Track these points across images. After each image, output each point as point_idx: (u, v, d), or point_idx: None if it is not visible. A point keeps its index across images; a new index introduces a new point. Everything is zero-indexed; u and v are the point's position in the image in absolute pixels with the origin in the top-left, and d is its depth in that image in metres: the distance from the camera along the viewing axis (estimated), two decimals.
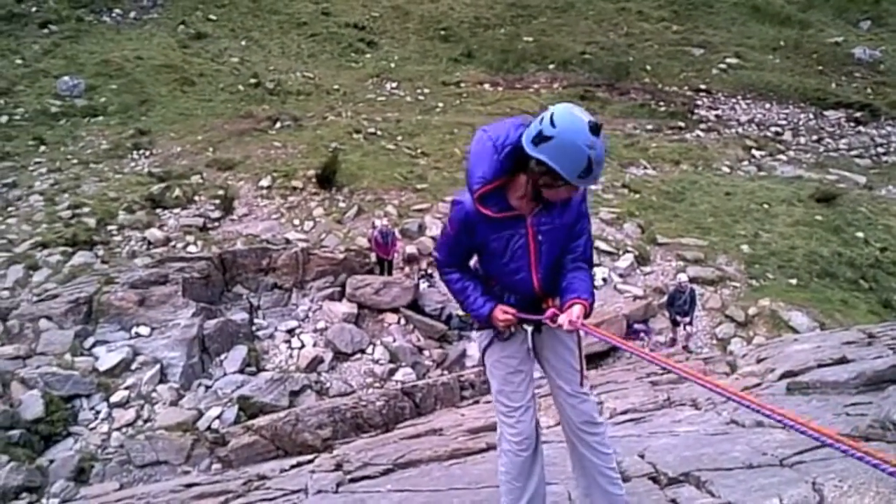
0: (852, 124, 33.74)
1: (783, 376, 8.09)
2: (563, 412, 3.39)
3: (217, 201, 21.98)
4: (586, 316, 3.07)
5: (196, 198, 22.25)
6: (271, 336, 16.69)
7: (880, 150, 31.89)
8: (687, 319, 16.66)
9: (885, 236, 22.39)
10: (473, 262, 3.43)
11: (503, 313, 3.22)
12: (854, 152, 31.44)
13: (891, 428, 4.57)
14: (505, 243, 3.19)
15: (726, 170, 28.08)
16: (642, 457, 5.11)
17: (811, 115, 34.43)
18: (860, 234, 22.27)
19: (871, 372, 6.50)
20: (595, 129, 2.86)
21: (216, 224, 21.27)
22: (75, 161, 24.69)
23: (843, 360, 7.95)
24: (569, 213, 3.19)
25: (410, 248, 20.21)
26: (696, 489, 4.20)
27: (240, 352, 15.56)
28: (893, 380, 5.93)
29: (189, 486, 9.34)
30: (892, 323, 12.07)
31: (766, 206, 23.75)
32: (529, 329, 3.34)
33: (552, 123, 2.88)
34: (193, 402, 14.11)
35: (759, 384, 8.35)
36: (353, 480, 6.97)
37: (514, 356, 3.35)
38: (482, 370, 14.83)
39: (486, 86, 35.25)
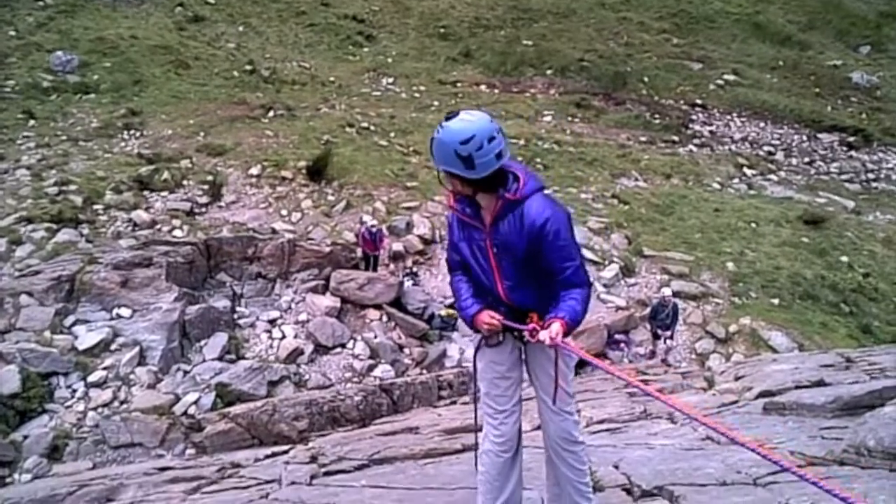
0: (845, 148, 34.03)
1: (760, 395, 8.37)
2: (545, 425, 3.54)
3: (205, 187, 22.02)
4: (567, 334, 3.21)
5: (184, 182, 22.27)
6: (252, 325, 16.81)
7: (871, 175, 32.25)
8: (668, 333, 16.88)
9: (869, 262, 22.71)
10: None
11: (489, 318, 3.37)
12: (845, 176, 31.77)
13: (865, 454, 4.65)
14: (471, 248, 3.45)
15: (717, 186, 28.36)
16: (617, 467, 5.25)
17: (805, 137, 34.69)
18: (845, 259, 22.54)
19: (848, 396, 6.70)
20: (448, 115, 3.23)
21: (203, 210, 21.32)
22: (64, 137, 24.66)
23: (820, 383, 8.22)
24: (521, 237, 3.28)
25: (397, 246, 20.39)
26: (670, 503, 4.28)
27: (220, 339, 15.66)
28: (870, 406, 6.06)
29: (163, 469, 9.56)
30: (870, 349, 12.44)
31: (753, 224, 24.03)
32: (517, 338, 3.47)
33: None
34: (171, 387, 14.21)
35: (735, 402, 8.63)
36: (327, 474, 7.14)
37: (503, 362, 3.50)
38: (461, 372, 15.17)
39: (483, 87, 35.37)
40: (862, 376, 8.40)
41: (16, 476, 11.84)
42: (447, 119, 3.19)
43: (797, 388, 8.20)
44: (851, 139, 34.44)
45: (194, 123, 26.51)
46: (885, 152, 34.10)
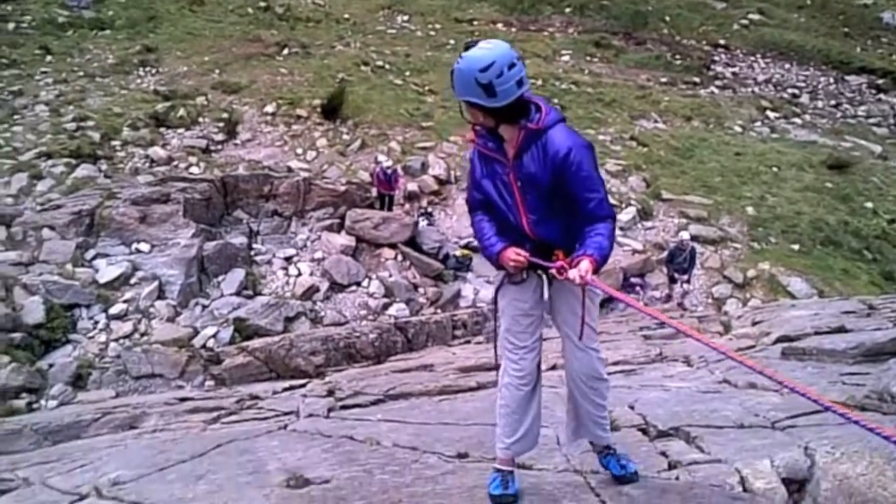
0: (873, 91, 33.42)
1: (778, 340, 8.40)
2: (568, 362, 3.54)
3: (221, 124, 22.14)
4: (596, 271, 3.15)
5: (200, 119, 22.38)
6: (269, 262, 17.07)
7: None
8: (685, 277, 16.80)
9: (894, 208, 22.49)
10: None
11: (514, 254, 3.33)
12: (872, 120, 31.21)
13: (888, 400, 4.62)
14: (495, 184, 3.41)
15: (738, 129, 27.99)
16: (632, 408, 5.28)
17: (832, 79, 34.07)
18: (869, 205, 22.33)
19: (870, 343, 6.66)
20: (467, 45, 3.18)
21: (219, 147, 21.48)
22: (81, 74, 24.75)
23: (841, 329, 8.22)
24: (545, 168, 3.26)
25: (412, 186, 20.49)
26: (686, 444, 4.28)
27: (238, 275, 15.95)
28: (893, 352, 6.07)
29: (183, 399, 9.94)
30: (893, 295, 12.43)
31: (775, 169, 23.74)
32: (542, 276, 3.44)
33: None
34: (190, 320, 14.59)
35: (752, 346, 8.64)
36: (344, 407, 7.28)
37: (526, 300, 3.47)
38: (475, 312, 15.39)
39: (500, 25, 34.85)
40: (884, 323, 8.37)
41: (43, 402, 12.29)
42: (466, 48, 3.16)
43: (817, 333, 8.15)
44: (880, 82, 33.78)
45: (209, 60, 26.50)
46: None
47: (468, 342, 13.89)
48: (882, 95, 33.26)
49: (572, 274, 3.11)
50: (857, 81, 34.01)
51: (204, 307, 15.04)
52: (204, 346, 13.98)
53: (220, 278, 15.89)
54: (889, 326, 7.96)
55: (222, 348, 13.75)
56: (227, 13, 31.17)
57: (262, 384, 11.49)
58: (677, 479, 3.70)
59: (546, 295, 3.47)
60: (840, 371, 6.10)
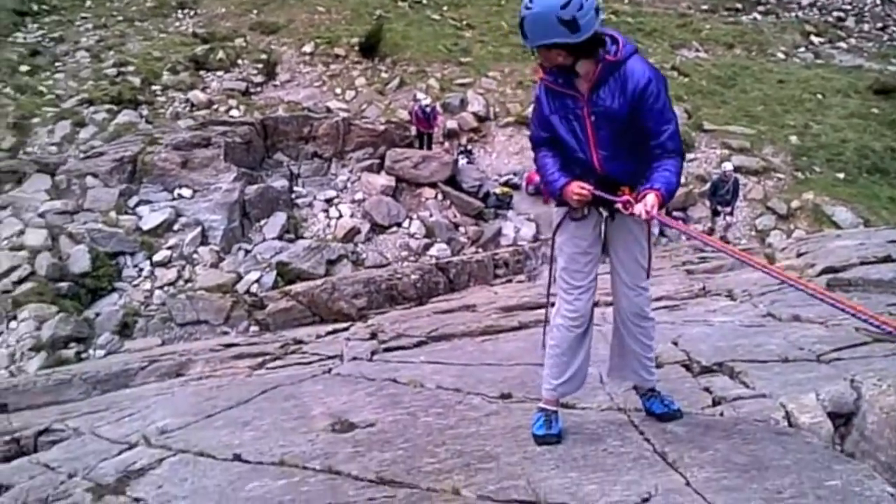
0: None
1: (824, 272, 7.97)
2: (617, 300, 3.45)
3: (260, 66, 21.63)
4: (662, 206, 3.05)
5: (239, 61, 21.86)
6: (310, 205, 16.66)
7: None
8: (728, 209, 16.11)
9: None
10: None
11: (578, 188, 3.19)
12: None
13: None
14: (565, 119, 3.24)
15: (781, 56, 26.70)
16: (676, 344, 5.07)
17: (878, 1, 32.21)
18: None
19: None
20: None
21: (258, 89, 21.00)
22: (120, 18, 24.28)
23: (888, 259, 7.82)
24: (623, 100, 3.09)
25: (451, 123, 19.78)
26: (730, 379, 4.11)
27: (279, 218, 15.58)
28: None
29: (228, 346, 9.67)
30: None
31: (819, 96, 22.67)
32: (604, 214, 3.30)
33: None
34: (233, 266, 14.27)
35: (798, 278, 8.03)
36: (387, 350, 7.11)
37: (585, 238, 3.35)
38: (517, 250, 14.89)
39: None
40: None
41: (91, 352, 12.13)
42: None
43: (862, 263, 7.83)
44: None
45: (247, 1, 25.79)
46: None
47: (509, 281, 13.46)
48: None
49: (638, 209, 2.99)
50: None
51: (247, 252, 14.70)
52: (247, 292, 13.67)
53: (262, 222, 15.53)
54: None
55: (266, 293, 13.45)
56: None
57: (305, 328, 11.24)
58: (721, 415, 3.59)
59: (603, 233, 3.37)
60: (887, 301, 5.80)
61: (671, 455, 3.06)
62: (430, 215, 16.81)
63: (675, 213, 17.17)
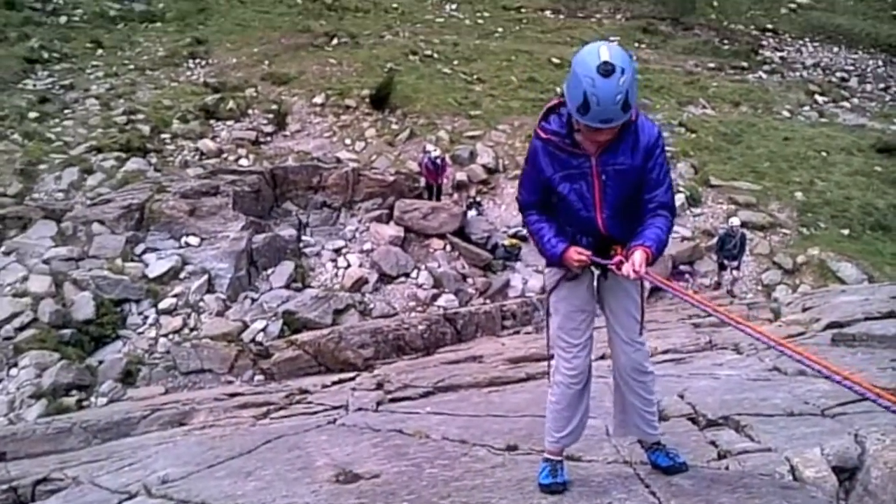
0: None
1: (828, 327, 8.02)
2: (615, 356, 3.44)
3: (270, 116, 21.80)
4: (651, 263, 3.02)
5: (249, 111, 22.06)
6: (318, 254, 16.59)
7: None
8: (735, 264, 16.20)
9: None
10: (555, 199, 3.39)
11: (577, 254, 3.18)
12: None
13: None
14: (569, 180, 3.19)
15: (786, 114, 26.99)
16: (682, 397, 5.09)
17: (880, 62, 32.88)
18: None
19: None
20: (605, 69, 2.82)
21: (268, 139, 21.13)
22: (132, 67, 24.60)
23: (891, 315, 7.82)
24: (636, 157, 3.11)
25: (460, 175, 19.85)
26: (736, 433, 4.11)
27: (287, 267, 15.48)
28: None
29: (232, 395, 9.61)
30: None
31: (824, 153, 22.84)
32: (596, 272, 3.30)
33: (579, 52, 2.96)
34: (239, 314, 14.11)
35: (803, 333, 8.29)
36: (393, 400, 7.15)
37: (579, 296, 3.35)
38: (525, 302, 14.81)
39: (548, 13, 34.15)
40: None
41: (92, 399, 11.91)
42: (605, 73, 2.84)
43: (867, 319, 7.84)
44: None
45: (258, 52, 26.20)
46: None
47: (517, 332, 13.43)
48: None
49: (626, 269, 2.98)
50: None
51: (253, 300, 14.57)
52: (253, 340, 13.50)
53: (270, 271, 15.44)
54: None
55: (271, 342, 13.30)
56: (276, 4, 30.91)
57: (311, 378, 11.18)
58: (727, 468, 3.58)
59: (597, 289, 3.38)
60: (891, 357, 5.86)
61: None
62: (439, 266, 16.73)
63: (682, 267, 17.31)
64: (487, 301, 15.97)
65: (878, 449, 3.34)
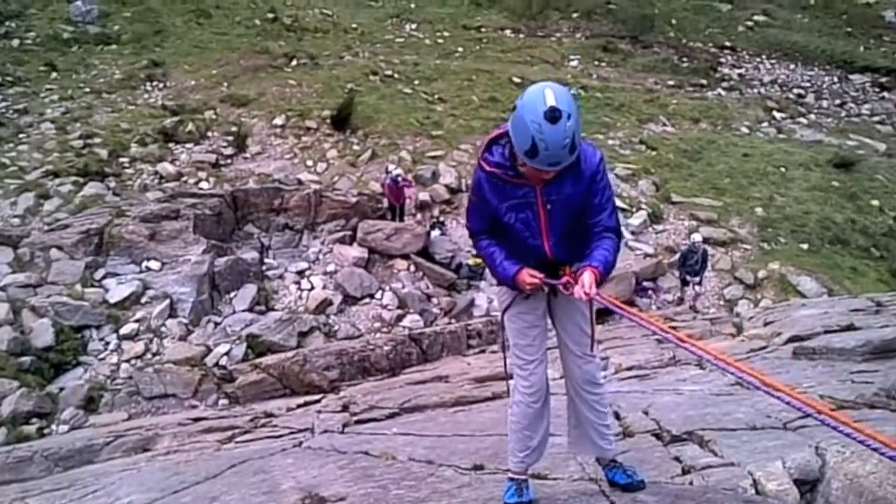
0: (877, 90, 33.21)
1: (790, 340, 8.22)
2: (568, 370, 3.54)
3: (230, 138, 21.86)
4: (600, 283, 3.12)
5: (209, 133, 22.13)
6: (281, 276, 16.72)
7: None
8: (697, 279, 16.59)
9: None
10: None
11: (530, 277, 3.28)
12: (876, 118, 30.91)
13: None
14: (515, 210, 3.29)
15: (745, 130, 27.75)
16: (646, 413, 5.19)
17: (836, 78, 33.86)
18: (875, 202, 22.08)
19: (878, 340, 6.63)
20: (552, 115, 2.89)
21: (229, 161, 21.20)
22: (87, 90, 24.54)
23: (850, 328, 8.10)
24: (580, 184, 3.21)
25: (423, 196, 20.12)
26: (700, 448, 4.23)
27: (249, 290, 15.59)
28: None
29: (196, 419, 9.68)
30: None
31: (783, 169, 23.49)
32: (546, 290, 3.40)
33: (522, 96, 3.04)
34: (202, 338, 14.20)
35: (764, 347, 8.49)
36: (359, 422, 7.19)
37: (532, 312, 3.47)
38: (490, 321, 15.03)
39: (508, 32, 34.69)
40: (893, 320, 8.31)
41: (53, 427, 11.89)
42: (552, 119, 2.93)
43: (827, 332, 8.12)
44: (884, 80, 33.56)
45: (217, 74, 26.29)
46: None
47: (483, 351, 13.58)
48: (885, 94, 33.05)
49: (576, 292, 3.10)
50: (860, 80, 33.89)
51: (216, 324, 14.66)
52: (217, 365, 13.57)
53: (232, 294, 15.55)
54: None
55: (235, 366, 13.35)
56: (234, 25, 30.99)
57: (276, 401, 11.25)
58: (691, 483, 3.67)
59: (547, 306, 3.50)
60: (850, 369, 6.12)
61: None
62: (403, 286, 16.94)
63: (644, 283, 17.63)
64: (452, 321, 16.14)
65: (839, 461, 3.41)
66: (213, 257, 15.80)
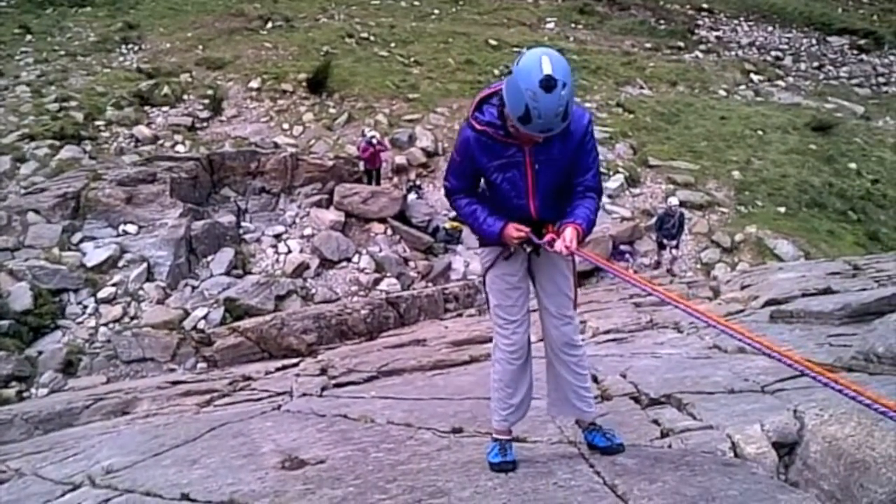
0: (855, 52, 33.28)
1: (767, 304, 8.29)
2: (546, 331, 3.55)
3: (206, 101, 21.73)
4: (581, 241, 3.18)
5: (185, 97, 21.97)
6: (258, 240, 16.77)
7: (881, 79, 31.49)
8: (674, 243, 16.62)
9: (878, 168, 22.42)
10: (482, 186, 3.53)
11: (516, 230, 3.31)
12: (854, 81, 31.05)
13: (874, 360, 4.64)
14: (502, 170, 3.29)
15: (723, 93, 27.76)
16: (624, 376, 5.23)
17: (814, 41, 33.90)
18: (853, 165, 22.23)
19: (856, 304, 6.65)
20: (547, 84, 2.87)
21: (204, 124, 21.07)
22: (62, 52, 24.21)
23: (827, 291, 8.17)
24: (569, 145, 3.23)
25: (400, 159, 20.09)
26: (678, 411, 4.25)
27: (227, 254, 15.64)
28: (878, 312, 5.97)
29: (175, 383, 9.63)
30: (878, 256, 12.41)
31: (760, 132, 23.58)
32: (528, 249, 3.43)
33: (518, 61, 2.99)
34: (180, 302, 14.28)
35: (742, 310, 8.55)
36: (337, 385, 7.20)
37: (514, 273, 3.49)
38: (467, 284, 15.16)
39: None
40: (870, 283, 8.36)
41: (33, 391, 12.00)
42: (547, 88, 2.90)
43: (804, 296, 8.16)
44: (862, 42, 33.65)
45: (192, 37, 25.98)
46: None
47: (460, 315, 13.67)
48: (864, 56, 33.16)
49: (558, 245, 3.13)
50: (838, 43, 33.94)
51: (193, 288, 14.75)
52: (195, 328, 13.69)
53: (210, 258, 15.58)
54: (874, 286, 7.97)
55: (213, 329, 13.44)
56: None
57: (254, 365, 11.27)
58: (670, 446, 3.67)
59: (529, 266, 3.52)
60: (827, 333, 6.13)
61: (621, 487, 3.09)
62: (380, 250, 17.03)
63: (622, 247, 17.70)
64: (429, 284, 16.24)
65: (817, 424, 3.39)
66: (190, 221, 15.81)
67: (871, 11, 36.12)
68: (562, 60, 2.95)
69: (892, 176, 22.06)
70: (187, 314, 13.98)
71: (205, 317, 13.92)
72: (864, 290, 7.72)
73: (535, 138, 3.11)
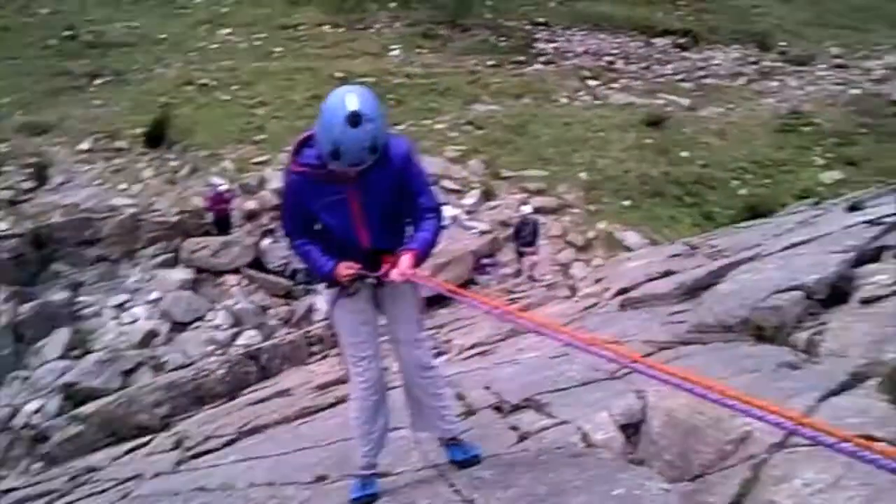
0: (677, 50, 34.74)
1: (617, 293, 8.41)
2: (400, 358, 3.55)
3: (29, 170, 19.94)
4: (419, 264, 3.21)
5: (4, 168, 20.04)
6: (98, 314, 15.39)
7: (701, 73, 32.90)
8: (531, 249, 16.57)
9: (705, 153, 23.44)
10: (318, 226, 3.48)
11: (346, 269, 3.27)
12: (679, 76, 32.27)
13: (705, 331, 4.93)
14: (330, 209, 3.27)
15: (565, 101, 28.16)
16: (488, 388, 5.14)
17: (641, 43, 35.12)
18: (685, 154, 23.16)
19: (690, 281, 6.90)
20: (353, 120, 2.93)
21: (29, 196, 19.27)
22: None
23: (668, 273, 8.32)
24: (389, 175, 3.21)
25: (251, 204, 18.95)
26: (536, 413, 4.22)
27: (61, 335, 14.25)
28: (709, 285, 6.25)
29: (7, 491, 8.74)
30: (710, 233, 12.79)
31: (601, 133, 24.11)
32: (371, 282, 3.37)
33: (327, 100, 3.04)
34: (8, 399, 12.80)
35: (596, 303, 8.69)
36: (194, 456, 6.72)
37: (361, 310, 3.44)
38: (330, 324, 14.15)
39: (327, 27, 33.57)
40: (704, 260, 8.58)
41: None
42: (353, 123, 2.96)
43: (649, 280, 8.30)
44: (682, 41, 35.22)
45: (10, 102, 24.08)
46: (711, 50, 35.03)
47: (325, 357, 12.79)
48: (685, 53, 34.57)
49: (393, 275, 3.17)
50: (662, 43, 35.26)
51: (24, 380, 13.21)
52: (27, 425, 12.10)
53: (41, 343, 14.10)
54: (707, 262, 8.17)
55: (49, 422, 11.88)
56: (25, 47, 28.36)
57: (99, 453, 10.06)
58: (526, 450, 3.67)
59: (375, 299, 3.50)
60: (667, 311, 6.34)
61: (478, 501, 3.08)
62: (236, 303, 16.05)
63: (484, 261, 17.58)
64: (292, 329, 15.25)
65: (656, 400, 3.54)
66: (16, 305, 14.36)
67: (687, 12, 37.95)
68: (368, 96, 3.05)
69: (719, 159, 23.11)
70: (17, 411, 12.41)
71: (38, 410, 12.40)
72: (699, 266, 7.90)
73: (348, 172, 3.12)
